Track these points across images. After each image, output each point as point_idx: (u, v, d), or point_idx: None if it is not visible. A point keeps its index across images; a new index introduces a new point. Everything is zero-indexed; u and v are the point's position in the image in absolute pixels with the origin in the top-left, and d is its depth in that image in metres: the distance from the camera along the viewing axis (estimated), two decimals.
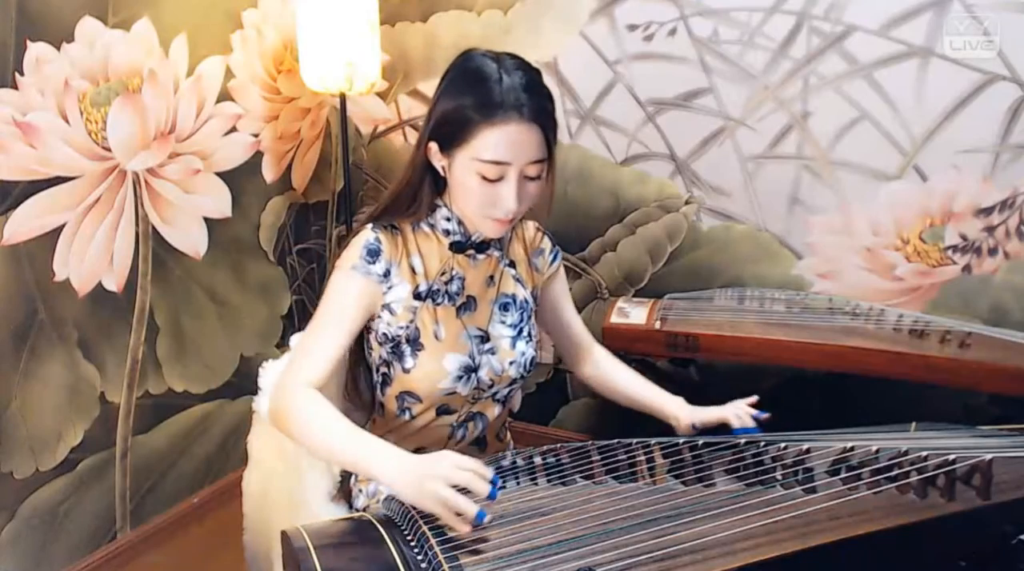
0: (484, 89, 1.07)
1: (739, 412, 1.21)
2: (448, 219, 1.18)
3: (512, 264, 1.27)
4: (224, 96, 2.01)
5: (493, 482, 0.93)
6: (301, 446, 1.11)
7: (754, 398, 1.24)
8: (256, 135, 2.13)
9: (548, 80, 1.14)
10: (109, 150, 1.74)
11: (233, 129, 2.06)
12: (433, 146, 1.13)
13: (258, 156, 2.15)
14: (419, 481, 0.92)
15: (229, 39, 2.02)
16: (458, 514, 0.89)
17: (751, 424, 1.20)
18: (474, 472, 0.92)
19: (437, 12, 2.21)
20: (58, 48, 1.61)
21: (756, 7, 1.90)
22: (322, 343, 1.11)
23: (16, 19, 1.54)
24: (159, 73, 1.82)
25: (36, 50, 1.57)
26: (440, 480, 0.91)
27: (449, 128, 1.10)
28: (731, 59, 1.95)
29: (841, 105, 1.88)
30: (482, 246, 1.21)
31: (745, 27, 1.92)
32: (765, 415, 1.21)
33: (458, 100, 1.08)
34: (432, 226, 1.20)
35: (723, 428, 1.21)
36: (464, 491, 0.91)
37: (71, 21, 1.63)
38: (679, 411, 1.25)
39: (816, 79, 1.89)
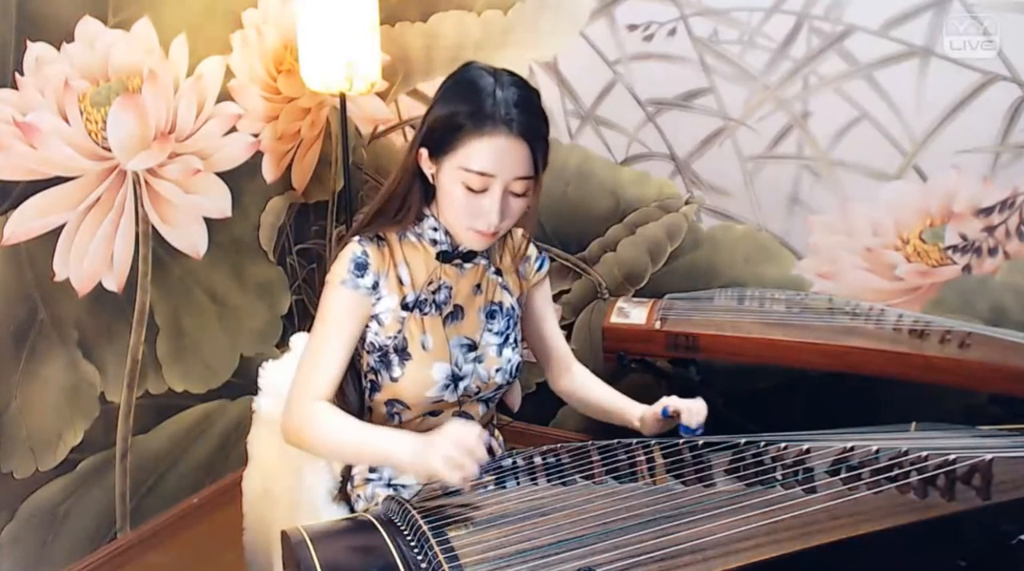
0: (477, 99, 1.08)
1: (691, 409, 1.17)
2: (435, 229, 1.19)
3: (499, 272, 1.27)
4: (224, 96, 2.01)
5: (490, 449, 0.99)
6: (319, 456, 1.20)
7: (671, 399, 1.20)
8: (256, 135, 2.13)
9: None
10: (109, 150, 1.74)
11: (233, 129, 2.06)
12: (424, 152, 1.14)
13: (258, 156, 2.15)
14: (428, 445, 0.99)
15: (229, 39, 2.02)
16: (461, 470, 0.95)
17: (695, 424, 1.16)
18: (477, 436, 0.98)
19: (437, 12, 2.20)
20: (58, 48, 1.61)
21: (756, 7, 1.90)
22: (324, 360, 1.14)
23: (16, 19, 1.54)
24: (159, 73, 1.82)
25: (36, 50, 1.57)
26: (447, 438, 0.97)
27: (439, 134, 1.10)
28: (731, 59, 1.95)
29: (841, 105, 1.88)
30: (469, 255, 1.22)
31: (745, 27, 1.92)
32: (697, 434, 1.16)
33: (450, 108, 1.09)
34: (419, 236, 1.20)
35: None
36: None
37: (71, 21, 1.63)
38: (636, 411, 1.24)
39: (816, 79, 1.89)
